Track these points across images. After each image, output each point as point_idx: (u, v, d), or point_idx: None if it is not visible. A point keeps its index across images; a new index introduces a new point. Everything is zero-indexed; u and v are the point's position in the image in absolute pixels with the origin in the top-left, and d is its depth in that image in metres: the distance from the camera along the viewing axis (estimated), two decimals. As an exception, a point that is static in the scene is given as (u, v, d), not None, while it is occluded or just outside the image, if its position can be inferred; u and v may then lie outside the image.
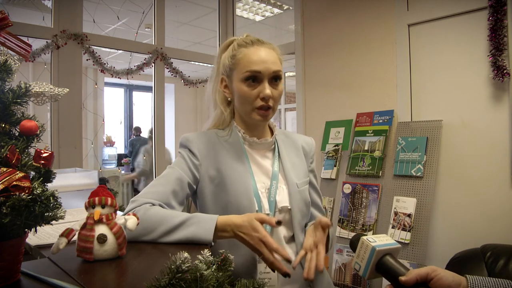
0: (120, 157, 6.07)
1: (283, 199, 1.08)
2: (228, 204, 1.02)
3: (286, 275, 0.84)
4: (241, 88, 1.05)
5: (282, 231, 1.07)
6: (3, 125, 0.60)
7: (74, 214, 1.23)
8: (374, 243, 0.76)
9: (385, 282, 2.26)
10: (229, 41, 1.12)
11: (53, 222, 0.60)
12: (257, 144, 1.12)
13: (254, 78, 1.03)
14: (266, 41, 1.10)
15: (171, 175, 1.02)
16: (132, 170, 5.89)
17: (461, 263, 1.64)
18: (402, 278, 0.71)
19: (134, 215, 0.79)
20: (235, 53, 1.07)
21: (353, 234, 2.42)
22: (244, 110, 1.07)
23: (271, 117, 1.09)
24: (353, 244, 0.82)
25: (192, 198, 1.11)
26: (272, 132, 1.18)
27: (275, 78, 1.06)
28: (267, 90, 1.03)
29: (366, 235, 0.79)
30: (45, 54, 2.65)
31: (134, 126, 6.58)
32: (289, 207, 1.08)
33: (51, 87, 0.73)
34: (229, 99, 1.12)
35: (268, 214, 1.03)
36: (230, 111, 1.14)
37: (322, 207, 1.24)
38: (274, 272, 0.87)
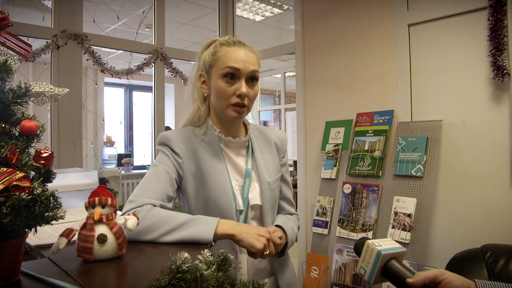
0: (120, 157, 6.06)
1: (255, 197, 1.14)
2: (208, 200, 1.07)
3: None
4: (219, 84, 1.08)
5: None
6: (3, 125, 0.60)
7: (74, 214, 1.23)
8: (380, 247, 0.75)
9: (385, 282, 2.27)
10: (211, 40, 1.16)
11: (53, 222, 0.60)
12: (232, 143, 1.16)
13: (232, 75, 1.07)
14: (247, 43, 1.14)
15: (160, 172, 1.05)
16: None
17: (461, 263, 1.63)
18: (410, 280, 0.70)
19: (134, 215, 0.79)
20: (216, 51, 1.11)
21: (353, 234, 2.42)
22: (220, 106, 1.10)
23: (245, 115, 1.14)
24: (358, 248, 0.81)
25: (176, 194, 1.15)
26: (246, 130, 1.21)
27: (252, 78, 1.10)
28: (244, 88, 1.06)
29: (370, 239, 0.78)
30: (45, 54, 2.66)
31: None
32: (260, 204, 1.14)
33: (51, 87, 0.73)
34: (205, 94, 1.16)
35: (241, 211, 1.10)
36: (206, 108, 1.17)
37: (291, 200, 1.29)
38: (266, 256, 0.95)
